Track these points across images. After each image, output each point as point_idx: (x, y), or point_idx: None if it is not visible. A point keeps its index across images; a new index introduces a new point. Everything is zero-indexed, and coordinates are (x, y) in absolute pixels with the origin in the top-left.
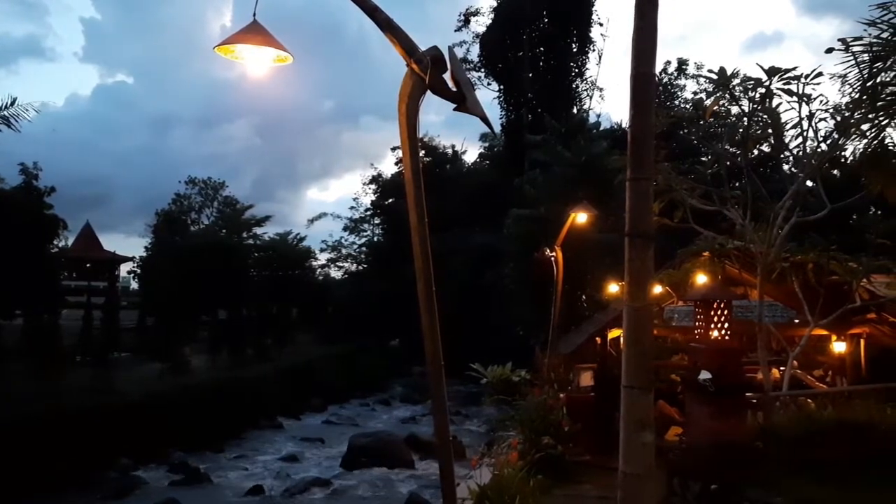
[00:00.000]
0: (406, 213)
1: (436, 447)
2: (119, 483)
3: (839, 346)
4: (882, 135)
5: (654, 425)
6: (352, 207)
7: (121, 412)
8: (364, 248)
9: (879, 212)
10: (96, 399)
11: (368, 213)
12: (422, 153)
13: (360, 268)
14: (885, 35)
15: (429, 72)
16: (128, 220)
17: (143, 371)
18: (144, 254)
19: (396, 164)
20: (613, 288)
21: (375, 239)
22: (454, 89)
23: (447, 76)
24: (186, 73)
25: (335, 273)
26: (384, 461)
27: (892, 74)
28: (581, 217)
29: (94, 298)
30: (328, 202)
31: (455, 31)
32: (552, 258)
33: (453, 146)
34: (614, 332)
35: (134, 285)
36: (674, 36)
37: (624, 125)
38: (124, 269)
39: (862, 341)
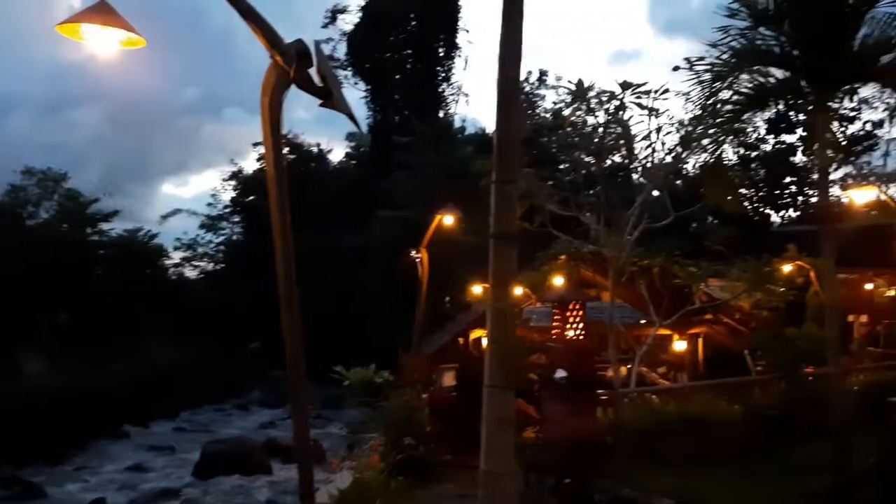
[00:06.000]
0: (268, 211)
1: (295, 451)
2: None
3: (680, 345)
4: (720, 150)
5: (514, 423)
6: (209, 204)
7: None
8: (222, 247)
9: (716, 221)
10: None
11: (227, 210)
12: (286, 150)
13: (218, 267)
14: (724, 56)
15: (294, 65)
16: None
17: None
18: None
19: (259, 160)
20: (476, 289)
21: (235, 238)
22: (320, 85)
23: (313, 71)
24: (28, 54)
25: (190, 272)
26: (240, 468)
27: (730, 93)
28: (447, 220)
29: None
30: (184, 198)
31: (322, 27)
32: (417, 260)
33: (318, 144)
34: (476, 333)
35: None
36: (541, 47)
37: (488, 131)
38: None
39: (700, 340)
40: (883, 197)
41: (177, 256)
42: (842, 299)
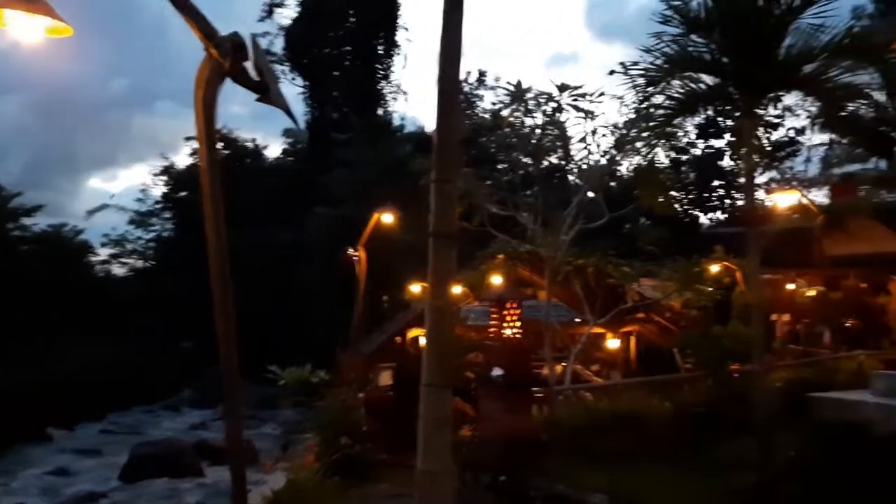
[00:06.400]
0: (201, 206)
1: (227, 452)
2: None
3: (613, 343)
4: (653, 153)
5: (451, 422)
6: (139, 200)
7: None
8: (153, 244)
9: (649, 222)
10: None
11: (158, 206)
12: (220, 145)
13: (149, 264)
14: (658, 62)
15: (229, 59)
16: None
17: None
18: None
19: (192, 155)
20: (415, 288)
21: (166, 234)
22: (257, 79)
23: (249, 65)
24: None
25: (119, 270)
26: (170, 470)
27: (662, 98)
28: (386, 218)
29: None
30: (113, 193)
31: (258, 21)
32: (355, 258)
33: (254, 140)
34: (414, 332)
35: None
36: (481, 48)
37: (427, 130)
38: None
39: (632, 338)
40: (804, 201)
41: (104, 253)
42: (765, 299)
